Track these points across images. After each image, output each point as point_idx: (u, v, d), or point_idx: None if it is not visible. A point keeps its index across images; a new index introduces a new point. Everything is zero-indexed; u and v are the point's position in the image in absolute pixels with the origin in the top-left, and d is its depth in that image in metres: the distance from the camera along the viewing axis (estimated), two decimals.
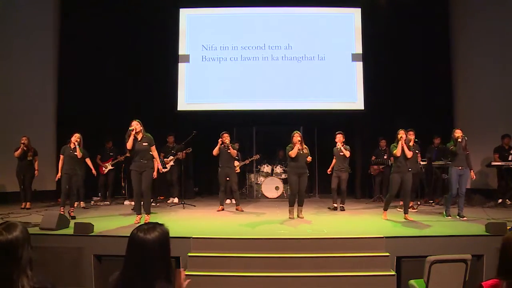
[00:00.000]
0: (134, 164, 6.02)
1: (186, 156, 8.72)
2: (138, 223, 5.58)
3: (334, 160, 7.77)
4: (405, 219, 6.31)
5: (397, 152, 6.27)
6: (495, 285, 1.82)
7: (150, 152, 6.07)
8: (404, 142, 6.32)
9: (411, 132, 7.41)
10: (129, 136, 5.93)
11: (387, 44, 9.63)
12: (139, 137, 5.97)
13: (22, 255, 1.67)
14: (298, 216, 6.61)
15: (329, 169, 7.86)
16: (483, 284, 1.87)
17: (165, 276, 1.79)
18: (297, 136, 6.51)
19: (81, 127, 8.14)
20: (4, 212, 6.80)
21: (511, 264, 1.78)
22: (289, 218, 6.52)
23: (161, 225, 1.88)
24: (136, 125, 5.96)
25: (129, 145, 5.94)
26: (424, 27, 9.62)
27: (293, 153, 6.44)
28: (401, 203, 6.66)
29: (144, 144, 5.98)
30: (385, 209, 6.53)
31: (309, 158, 6.65)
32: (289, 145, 6.60)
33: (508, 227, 5.03)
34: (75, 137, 6.76)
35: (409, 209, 7.27)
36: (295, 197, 6.59)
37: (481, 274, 4.60)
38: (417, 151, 7.65)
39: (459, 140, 6.46)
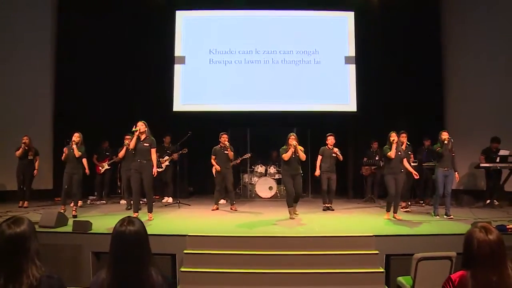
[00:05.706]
0: (134, 164, 6.18)
1: (181, 156, 8.83)
2: None
3: (319, 161, 7.75)
4: (394, 218, 6.47)
5: (392, 154, 6.42)
6: (461, 275, 2.03)
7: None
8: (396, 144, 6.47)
9: (403, 135, 7.59)
10: (133, 135, 6.12)
11: (380, 47, 9.82)
12: (142, 137, 6.11)
13: (30, 246, 1.84)
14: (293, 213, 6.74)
15: (317, 171, 7.74)
16: (452, 276, 2.08)
17: (151, 262, 1.94)
18: (292, 139, 6.53)
19: (78, 127, 8.21)
20: (2, 211, 6.87)
21: (472, 256, 2.00)
22: (290, 218, 6.51)
23: (129, 216, 2.04)
24: (141, 126, 6.13)
25: (132, 144, 6.09)
26: (416, 30, 9.76)
27: (286, 156, 6.51)
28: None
29: (145, 144, 6.14)
30: (388, 210, 6.63)
31: (302, 156, 6.61)
32: (284, 147, 6.64)
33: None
34: (74, 137, 6.96)
35: (402, 209, 7.47)
36: (292, 198, 6.59)
37: None
38: (410, 152, 7.82)
39: (446, 142, 6.65)
